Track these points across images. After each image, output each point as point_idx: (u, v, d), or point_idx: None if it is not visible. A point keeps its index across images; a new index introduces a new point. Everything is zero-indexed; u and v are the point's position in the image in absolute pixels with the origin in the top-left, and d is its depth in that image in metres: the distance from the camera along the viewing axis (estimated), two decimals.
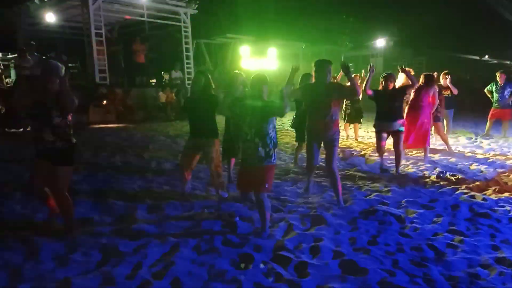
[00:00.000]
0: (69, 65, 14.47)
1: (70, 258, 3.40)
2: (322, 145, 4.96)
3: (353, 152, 8.15)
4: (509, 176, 6.13)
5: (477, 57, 30.67)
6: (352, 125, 9.86)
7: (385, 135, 6.40)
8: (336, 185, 4.84)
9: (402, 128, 6.35)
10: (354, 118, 9.54)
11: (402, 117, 6.47)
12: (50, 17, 14.55)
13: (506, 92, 9.48)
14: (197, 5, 16.09)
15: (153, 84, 16.54)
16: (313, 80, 5.20)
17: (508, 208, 4.64)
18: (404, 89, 6.46)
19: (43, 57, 12.48)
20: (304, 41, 22.25)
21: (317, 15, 21.90)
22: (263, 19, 19.69)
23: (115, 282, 3.04)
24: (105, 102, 13.00)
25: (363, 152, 8.06)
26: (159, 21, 15.88)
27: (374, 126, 6.49)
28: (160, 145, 8.92)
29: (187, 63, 16.18)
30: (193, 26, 16.45)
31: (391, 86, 6.33)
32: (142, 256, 3.44)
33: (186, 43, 16.18)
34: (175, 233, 3.96)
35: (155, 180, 5.99)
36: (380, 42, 24.97)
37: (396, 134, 6.32)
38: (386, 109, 6.25)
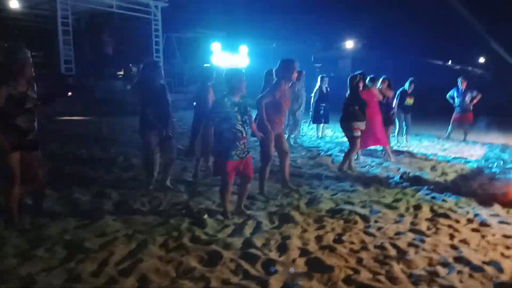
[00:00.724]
0: (33, 54, 13.95)
1: (34, 254, 3.31)
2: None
3: (320, 151, 8.31)
4: (468, 177, 6.40)
5: (441, 63, 31.78)
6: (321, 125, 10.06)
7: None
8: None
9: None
10: (324, 118, 9.76)
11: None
12: (14, 3, 13.99)
13: (467, 98, 9.92)
14: None
15: (121, 76, 16.22)
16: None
17: (467, 209, 4.85)
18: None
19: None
20: (275, 40, 22.38)
21: (288, 15, 22.07)
22: (235, 15, 19.66)
23: (80, 279, 2.99)
24: (70, 93, 12.64)
25: (329, 152, 8.23)
26: (128, 13, 15.57)
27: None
28: (127, 139, 8.78)
29: (157, 57, 15.97)
30: (163, 19, 16.23)
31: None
32: (108, 253, 3.39)
33: (156, 36, 15.97)
34: (142, 229, 3.93)
35: (122, 175, 5.90)
36: (349, 44, 25.44)
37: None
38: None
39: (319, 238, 3.90)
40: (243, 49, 18.15)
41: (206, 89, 5.58)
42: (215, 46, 17.57)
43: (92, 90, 13.43)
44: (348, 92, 6.73)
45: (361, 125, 6.64)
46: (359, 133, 6.64)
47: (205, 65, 6.14)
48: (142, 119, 5.00)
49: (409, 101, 9.36)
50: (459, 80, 10.04)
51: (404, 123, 9.47)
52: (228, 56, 17.47)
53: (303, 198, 5.12)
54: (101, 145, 7.85)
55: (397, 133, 9.61)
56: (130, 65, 16.65)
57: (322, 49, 26.22)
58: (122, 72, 16.55)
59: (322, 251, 3.61)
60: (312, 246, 3.71)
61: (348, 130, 6.70)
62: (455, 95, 10.10)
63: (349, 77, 6.78)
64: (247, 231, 4.02)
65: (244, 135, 4.19)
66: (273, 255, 3.51)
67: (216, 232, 3.96)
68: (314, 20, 24.54)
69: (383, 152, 7.70)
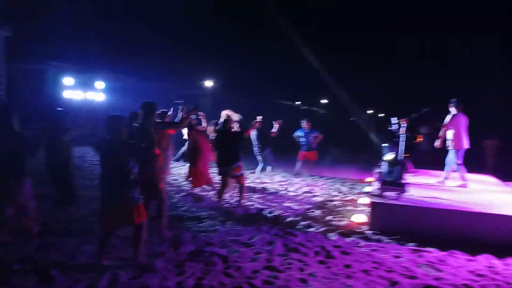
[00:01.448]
0: None
1: None
2: None
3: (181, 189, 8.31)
4: (314, 212, 7.08)
5: (291, 103, 34.98)
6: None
7: None
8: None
9: None
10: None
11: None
12: None
13: (311, 137, 11.09)
14: (12, 27, 14.44)
15: None
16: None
17: (314, 242, 5.35)
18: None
19: None
20: (135, 76, 21.96)
21: (147, 52, 21.95)
22: (91, 49, 18.77)
23: None
24: None
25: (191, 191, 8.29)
26: None
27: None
28: None
29: None
30: (7, 49, 14.64)
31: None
32: None
33: None
34: None
35: None
36: (208, 83, 26.35)
37: None
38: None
39: (179, 285, 3.87)
40: (99, 84, 17.36)
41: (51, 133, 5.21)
42: (68, 81, 16.46)
43: None
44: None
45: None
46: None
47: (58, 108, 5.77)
48: None
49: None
50: (303, 121, 11.20)
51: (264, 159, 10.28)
52: (82, 92, 16.51)
53: (164, 243, 5.03)
54: None
55: (261, 169, 10.39)
56: None
57: (183, 87, 26.58)
58: None
59: None
60: None
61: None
62: (300, 134, 11.20)
63: None
64: (102, 284, 3.78)
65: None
66: None
67: None
68: (173, 58, 24.84)
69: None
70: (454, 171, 8.07)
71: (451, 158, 7.92)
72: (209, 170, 7.99)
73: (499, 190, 7.87)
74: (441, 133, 7.97)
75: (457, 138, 7.72)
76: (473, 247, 5.17)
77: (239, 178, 7.11)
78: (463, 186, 7.83)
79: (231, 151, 7.00)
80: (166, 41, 23.08)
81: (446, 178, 8.21)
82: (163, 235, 5.18)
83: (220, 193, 7.11)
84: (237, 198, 7.26)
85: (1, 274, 3.87)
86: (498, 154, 12.76)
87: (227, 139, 7.03)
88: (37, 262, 4.17)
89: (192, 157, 7.77)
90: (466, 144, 7.77)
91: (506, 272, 4.52)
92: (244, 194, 7.41)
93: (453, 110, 7.81)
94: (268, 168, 10.64)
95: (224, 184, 7.06)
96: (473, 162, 11.05)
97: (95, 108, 14.87)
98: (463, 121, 7.75)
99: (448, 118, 7.82)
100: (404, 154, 8.37)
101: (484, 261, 4.84)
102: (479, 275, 4.39)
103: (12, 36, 14.61)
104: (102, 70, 18.73)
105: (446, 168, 8.21)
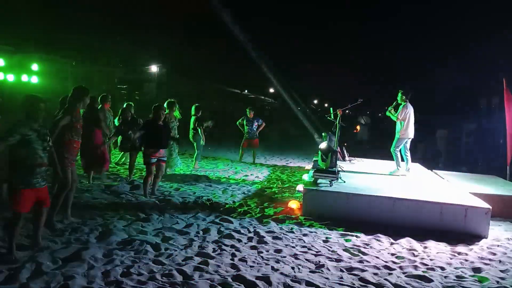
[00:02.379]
0: None
1: None
2: None
3: (118, 179, 8.13)
4: (252, 199, 7.21)
5: (239, 91, 35.03)
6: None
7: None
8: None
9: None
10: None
11: None
12: None
13: (254, 126, 11.19)
14: None
15: None
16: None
17: (249, 228, 5.46)
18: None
19: None
20: (73, 58, 20.98)
21: (88, 33, 21.01)
22: (24, 29, 17.68)
23: None
24: None
25: (129, 179, 8.13)
26: None
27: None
28: None
29: None
30: None
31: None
32: None
33: None
34: None
35: None
36: (153, 68, 25.75)
37: None
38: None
39: (106, 274, 3.81)
40: (34, 67, 16.41)
41: None
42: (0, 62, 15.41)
43: None
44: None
45: (155, 151, 6.85)
46: (154, 160, 6.84)
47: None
48: None
49: (206, 124, 10.02)
50: (247, 110, 11.27)
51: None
52: (16, 74, 15.54)
53: (94, 232, 4.92)
54: None
55: (195, 158, 10.21)
56: None
57: (126, 71, 25.81)
58: None
59: (107, 287, 3.54)
60: (98, 283, 3.60)
61: (144, 156, 6.89)
62: (245, 122, 11.26)
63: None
64: (24, 275, 3.64)
65: (45, 161, 4.08)
66: None
67: None
68: (117, 40, 23.98)
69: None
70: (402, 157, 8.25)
71: (393, 144, 8.15)
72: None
73: (425, 177, 8.39)
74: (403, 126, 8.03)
75: (405, 127, 7.94)
76: (396, 231, 5.51)
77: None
78: (399, 173, 8.18)
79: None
80: (109, 23, 22.21)
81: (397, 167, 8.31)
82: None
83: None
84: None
85: None
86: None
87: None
88: None
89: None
90: (411, 134, 8.08)
91: (424, 254, 4.86)
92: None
93: (403, 100, 8.03)
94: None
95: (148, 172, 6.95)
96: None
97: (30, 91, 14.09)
98: (412, 111, 8.04)
99: (399, 108, 8.05)
100: (340, 143, 8.69)
101: (405, 244, 5.17)
102: (399, 257, 4.69)
103: None
104: (37, 52, 17.75)
105: (405, 158, 8.30)
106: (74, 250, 4.28)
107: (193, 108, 9.86)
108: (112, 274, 3.81)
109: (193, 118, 9.81)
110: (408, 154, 8.22)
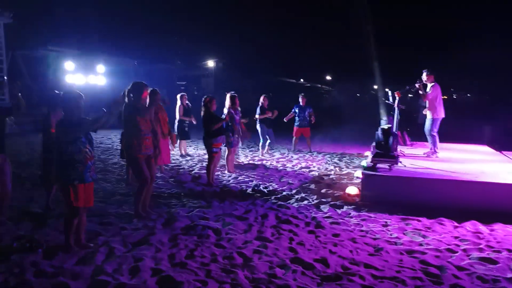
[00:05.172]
0: None
1: None
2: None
3: (180, 169, 8.49)
4: (310, 185, 7.24)
5: (294, 80, 34.87)
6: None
7: None
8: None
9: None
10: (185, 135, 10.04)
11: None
12: None
13: (306, 113, 11.10)
14: (12, 14, 14.53)
15: None
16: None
17: (306, 214, 5.51)
18: None
19: None
20: (136, 58, 22.01)
21: (149, 33, 21.95)
22: (90, 33, 18.82)
23: None
24: None
25: (191, 169, 8.47)
26: None
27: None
28: None
29: (0, 76, 14.40)
30: (7, 36, 14.78)
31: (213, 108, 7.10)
32: None
33: None
34: None
35: None
36: (210, 63, 26.31)
37: None
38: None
39: (172, 256, 4.05)
40: (100, 68, 17.44)
41: (48, 118, 5.31)
42: (69, 65, 16.56)
43: None
44: (203, 111, 7.16)
45: (220, 140, 7.14)
46: (217, 149, 7.12)
47: (55, 91, 5.80)
48: None
49: (268, 115, 10.21)
50: (300, 96, 11.21)
51: (267, 136, 10.36)
52: (83, 76, 16.63)
53: (159, 219, 5.22)
54: None
55: (261, 146, 10.49)
56: None
57: (185, 68, 26.61)
58: None
59: (173, 269, 3.77)
60: (165, 265, 3.85)
61: (207, 146, 7.13)
62: (297, 110, 11.22)
63: (203, 97, 7.29)
64: (99, 258, 3.98)
65: (92, 155, 4.17)
66: (124, 279, 3.55)
67: (63, 263, 3.83)
68: (175, 39, 24.82)
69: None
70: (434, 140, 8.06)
71: (428, 127, 7.96)
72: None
73: (493, 159, 7.95)
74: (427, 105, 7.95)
75: (434, 107, 7.76)
76: (461, 214, 5.30)
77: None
78: (432, 154, 7.93)
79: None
80: (167, 22, 23.01)
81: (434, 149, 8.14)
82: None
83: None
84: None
85: (2, 250, 4.07)
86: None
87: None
88: (32, 240, 4.35)
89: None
90: (443, 113, 7.84)
91: (490, 236, 4.65)
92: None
93: (430, 80, 7.79)
94: (267, 145, 10.71)
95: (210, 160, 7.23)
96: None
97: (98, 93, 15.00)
98: (439, 90, 7.80)
99: (429, 88, 7.80)
100: (401, 127, 8.46)
101: (470, 227, 4.97)
102: (463, 240, 4.53)
103: (12, 23, 14.71)
104: (103, 53, 18.81)
105: (429, 138, 8.16)
106: (143, 235, 4.59)
107: (261, 98, 10.28)
108: (177, 256, 4.05)
109: (258, 108, 10.11)
110: (431, 135, 8.00)
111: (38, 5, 17.23)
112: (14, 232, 4.58)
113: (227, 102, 7.92)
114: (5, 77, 13.31)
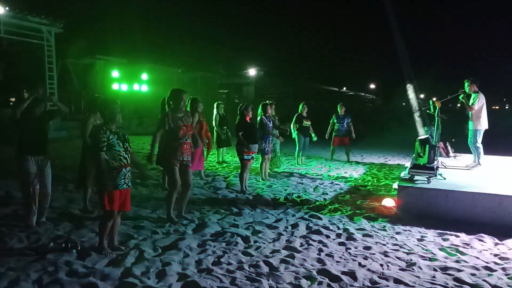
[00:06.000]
0: None
1: None
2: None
3: (216, 176, 8.59)
4: (345, 196, 7.10)
5: (337, 89, 34.48)
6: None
7: None
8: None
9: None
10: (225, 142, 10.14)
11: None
12: None
13: (345, 123, 10.94)
14: (62, 24, 15.35)
15: (12, 103, 15.20)
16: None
17: (338, 225, 5.41)
18: None
19: None
20: (179, 66, 22.57)
21: (191, 42, 22.50)
22: (135, 42, 19.53)
23: None
24: None
25: (226, 176, 8.55)
26: (17, 38, 14.75)
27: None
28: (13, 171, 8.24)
29: (50, 83, 15.23)
30: (58, 44, 15.62)
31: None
32: None
33: (49, 62, 15.25)
34: (15, 266, 3.80)
35: (0, 210, 5.58)
36: (252, 72, 26.53)
37: None
38: None
39: (199, 262, 4.09)
40: (144, 76, 18.05)
41: (85, 120, 5.54)
42: (115, 73, 17.26)
43: None
44: (238, 118, 7.23)
45: (253, 148, 7.14)
46: (249, 157, 7.14)
47: (96, 95, 6.09)
48: (19, 144, 4.88)
49: (306, 123, 10.18)
50: (338, 106, 11.06)
51: (302, 145, 10.30)
52: (128, 83, 17.26)
53: (190, 224, 5.30)
54: None
55: (297, 155, 10.45)
56: (24, 91, 15.70)
57: (227, 76, 27.00)
58: (14, 99, 15.53)
59: (199, 274, 3.80)
60: (191, 270, 3.89)
61: (239, 153, 7.18)
62: (335, 120, 11.07)
63: (239, 105, 7.39)
64: (129, 260, 4.08)
65: (128, 162, 4.25)
66: (151, 282, 3.62)
67: (95, 263, 3.96)
68: (217, 47, 25.28)
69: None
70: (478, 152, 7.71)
71: (471, 138, 7.65)
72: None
73: None
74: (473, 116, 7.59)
75: (478, 118, 7.46)
76: (503, 231, 5.01)
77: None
78: (475, 166, 7.58)
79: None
80: (210, 31, 23.48)
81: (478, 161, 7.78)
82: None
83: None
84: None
85: (36, 250, 4.27)
86: None
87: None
88: (68, 241, 4.53)
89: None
90: (486, 124, 7.52)
91: None
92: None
93: (474, 90, 7.48)
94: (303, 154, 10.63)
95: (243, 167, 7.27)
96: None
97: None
98: (484, 100, 7.48)
99: (474, 98, 7.46)
100: (445, 138, 8.15)
101: None
102: (503, 258, 4.27)
103: (63, 33, 15.52)
104: (148, 62, 19.44)
105: (472, 150, 7.81)
106: (173, 240, 4.66)
107: (300, 106, 10.34)
108: (204, 262, 4.08)
109: (295, 116, 10.19)
110: (474, 147, 7.65)
111: (87, 15, 18.15)
112: (52, 232, 4.80)
113: (259, 110, 8.04)
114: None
